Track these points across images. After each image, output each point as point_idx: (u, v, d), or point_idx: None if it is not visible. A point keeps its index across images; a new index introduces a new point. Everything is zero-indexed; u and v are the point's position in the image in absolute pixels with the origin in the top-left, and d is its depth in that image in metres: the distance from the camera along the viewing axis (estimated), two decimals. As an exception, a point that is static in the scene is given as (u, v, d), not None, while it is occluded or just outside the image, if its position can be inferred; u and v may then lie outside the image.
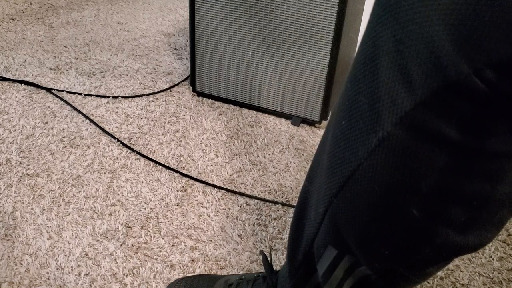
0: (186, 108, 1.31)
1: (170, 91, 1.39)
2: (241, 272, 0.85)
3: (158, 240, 0.90)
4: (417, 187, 0.41)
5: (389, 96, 0.39)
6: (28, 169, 1.05)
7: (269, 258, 0.73)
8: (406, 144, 0.39)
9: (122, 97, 1.34)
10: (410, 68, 0.37)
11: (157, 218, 0.95)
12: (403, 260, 0.47)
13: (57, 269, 0.83)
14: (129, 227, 0.92)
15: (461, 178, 0.40)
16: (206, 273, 0.84)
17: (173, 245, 0.89)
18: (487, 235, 0.44)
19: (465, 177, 0.40)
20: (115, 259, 0.86)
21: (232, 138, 1.20)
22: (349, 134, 0.44)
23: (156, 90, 1.38)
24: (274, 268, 0.79)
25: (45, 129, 1.19)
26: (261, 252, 0.72)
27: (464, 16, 0.33)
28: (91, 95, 1.34)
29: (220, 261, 0.87)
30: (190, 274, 0.83)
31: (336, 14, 1.09)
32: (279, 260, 0.88)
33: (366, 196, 0.44)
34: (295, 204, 1.00)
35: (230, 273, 0.85)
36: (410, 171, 0.40)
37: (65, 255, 0.86)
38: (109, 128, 1.20)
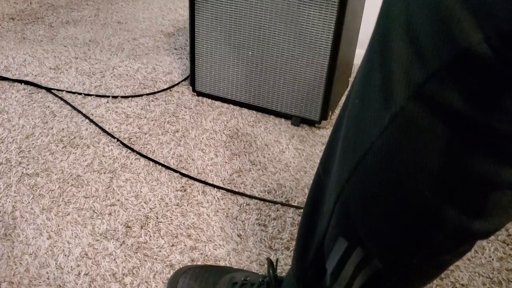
0: (186, 108, 1.31)
1: (170, 91, 1.39)
2: (241, 272, 0.85)
3: (157, 240, 0.90)
4: (428, 165, 0.40)
5: (402, 69, 0.39)
6: (28, 168, 1.05)
7: (274, 264, 0.73)
8: (418, 119, 0.39)
9: (122, 96, 1.34)
10: (423, 40, 0.37)
11: (157, 218, 0.95)
12: (414, 248, 0.46)
13: (56, 268, 0.83)
14: (129, 227, 0.92)
15: (471, 156, 0.39)
16: (211, 264, 0.84)
17: (172, 245, 0.89)
18: (498, 220, 0.44)
19: (478, 156, 0.39)
20: (114, 259, 0.86)
21: (232, 138, 1.20)
22: (362, 113, 0.44)
23: (156, 90, 1.38)
24: (278, 272, 0.79)
25: (44, 128, 1.19)
26: (268, 259, 0.71)
27: None
28: (91, 95, 1.34)
29: (219, 261, 0.87)
30: (197, 264, 0.83)
31: (336, 14, 1.09)
32: (278, 260, 0.88)
33: (378, 177, 0.43)
34: (295, 203, 1.00)
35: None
36: (422, 148, 0.40)
37: (65, 255, 0.86)
38: (109, 128, 1.20)
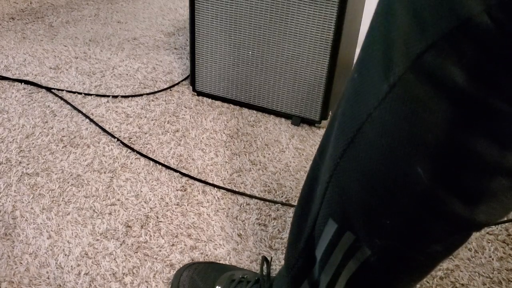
0: (186, 107, 1.31)
1: (170, 90, 1.39)
2: (241, 271, 0.86)
3: (158, 240, 0.90)
4: (423, 140, 0.40)
5: (402, 40, 0.39)
6: (28, 168, 1.05)
7: (269, 262, 0.73)
8: (416, 91, 0.39)
9: (122, 96, 1.34)
10: (424, 10, 0.37)
11: (157, 217, 0.95)
12: (405, 234, 0.46)
13: (56, 268, 0.83)
14: (129, 227, 0.92)
15: (468, 135, 0.39)
16: (216, 262, 0.85)
17: (173, 245, 0.89)
18: (491, 210, 0.43)
19: (472, 134, 0.39)
20: (114, 259, 0.86)
21: (232, 138, 1.20)
22: (361, 86, 0.43)
23: (156, 90, 1.38)
24: (273, 272, 0.79)
25: (45, 128, 1.19)
26: (262, 257, 0.72)
27: None
28: (91, 95, 1.34)
29: (220, 260, 0.87)
30: (200, 261, 0.83)
31: (336, 14, 1.09)
32: (278, 260, 0.88)
33: (372, 152, 0.43)
34: (295, 203, 1.01)
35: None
36: (418, 121, 0.40)
37: (65, 255, 0.86)
38: (109, 128, 1.21)
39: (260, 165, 1.12)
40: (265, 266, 0.73)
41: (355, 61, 0.46)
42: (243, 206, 0.99)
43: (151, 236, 0.91)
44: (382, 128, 0.42)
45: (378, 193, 0.45)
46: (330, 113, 1.26)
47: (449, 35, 0.36)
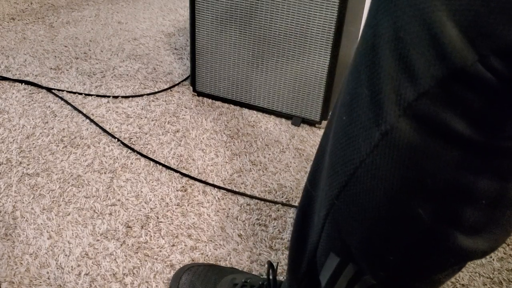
0: (186, 108, 1.31)
1: (171, 91, 1.39)
2: (241, 272, 0.85)
3: (158, 240, 0.90)
4: (422, 184, 0.39)
5: (391, 86, 0.37)
6: (28, 168, 1.05)
7: (275, 267, 0.72)
8: (410, 138, 0.38)
9: (123, 97, 1.35)
10: (413, 56, 0.35)
11: (157, 218, 0.95)
12: (409, 266, 0.45)
13: (57, 268, 0.83)
14: (129, 227, 0.92)
15: (468, 175, 0.38)
16: (216, 264, 0.84)
17: (173, 245, 0.89)
18: (495, 238, 0.43)
19: (473, 174, 0.38)
20: (115, 259, 0.86)
21: (232, 138, 1.20)
22: (351, 130, 0.42)
23: (156, 90, 1.38)
24: (277, 274, 0.78)
25: (45, 128, 1.19)
26: (268, 262, 0.71)
27: (469, 1, 0.32)
28: (91, 95, 1.34)
29: (220, 261, 0.87)
30: (201, 262, 0.83)
31: (336, 14, 1.09)
32: (279, 260, 0.88)
33: (369, 196, 0.42)
34: (295, 204, 1.00)
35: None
36: (415, 167, 0.39)
37: (65, 255, 0.86)
38: (109, 128, 1.21)
39: (260, 165, 1.12)
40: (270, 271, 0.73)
41: (340, 100, 0.45)
42: (244, 207, 0.99)
43: (151, 236, 0.91)
44: (377, 174, 0.41)
45: (378, 233, 0.44)
46: (331, 114, 1.25)
47: (442, 83, 0.35)
